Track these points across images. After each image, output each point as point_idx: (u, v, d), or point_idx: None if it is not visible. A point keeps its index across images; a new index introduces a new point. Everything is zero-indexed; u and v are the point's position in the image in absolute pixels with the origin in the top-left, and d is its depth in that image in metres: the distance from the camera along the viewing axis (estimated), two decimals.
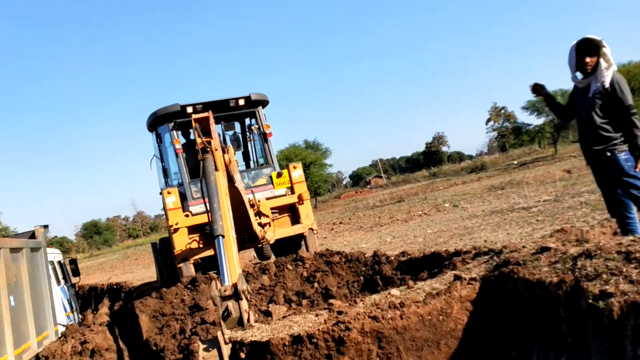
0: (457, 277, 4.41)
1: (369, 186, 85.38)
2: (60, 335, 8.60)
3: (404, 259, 7.45)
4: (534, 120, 77.87)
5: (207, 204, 5.96)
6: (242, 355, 4.35)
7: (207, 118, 6.52)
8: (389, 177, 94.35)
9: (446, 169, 72.15)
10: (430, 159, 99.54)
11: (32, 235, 10.06)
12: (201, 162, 6.07)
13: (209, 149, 6.05)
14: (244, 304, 5.16)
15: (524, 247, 4.89)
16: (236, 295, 5.18)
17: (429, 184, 45.00)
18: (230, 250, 5.59)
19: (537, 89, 5.87)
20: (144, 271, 22.41)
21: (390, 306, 4.14)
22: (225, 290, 5.20)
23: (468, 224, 12.22)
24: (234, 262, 5.53)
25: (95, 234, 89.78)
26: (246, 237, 9.03)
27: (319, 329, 4.00)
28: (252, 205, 8.80)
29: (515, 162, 53.35)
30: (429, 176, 67.39)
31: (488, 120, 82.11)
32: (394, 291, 4.99)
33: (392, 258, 7.57)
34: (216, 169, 6.13)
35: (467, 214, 15.01)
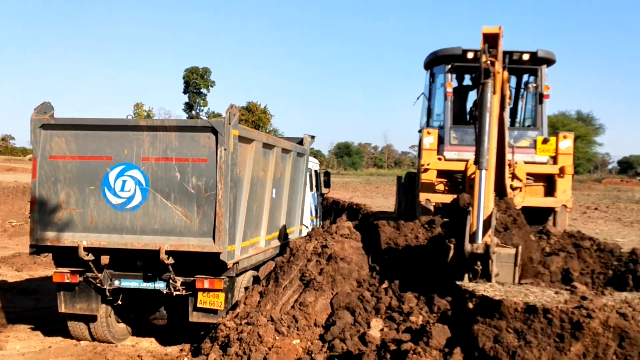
0: None
1: (639, 177, 75.59)
2: (305, 235, 9.61)
3: None
4: None
5: (476, 129, 6.01)
6: (470, 305, 4.40)
7: (497, 35, 6.32)
8: None
9: None
10: None
11: (300, 141, 11.19)
12: (481, 85, 6.03)
13: (491, 72, 5.97)
14: (493, 264, 5.30)
15: None
16: (487, 256, 5.35)
17: None
18: (489, 186, 5.69)
19: None
20: (383, 200, 23.49)
21: None
22: (477, 249, 5.39)
23: None
24: (490, 199, 5.64)
25: (346, 155, 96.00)
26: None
27: (557, 307, 3.82)
28: (508, 165, 8.51)
29: None
30: None
31: None
32: None
33: None
34: (494, 92, 6.03)
35: None
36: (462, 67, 10.10)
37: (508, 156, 8.67)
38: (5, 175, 31.38)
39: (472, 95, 10.97)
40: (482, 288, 4.61)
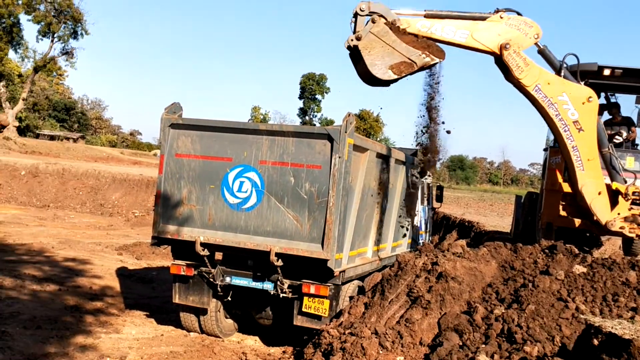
0: None
1: None
2: (413, 249, 9.39)
3: None
4: None
5: None
6: (596, 342, 4.04)
7: None
8: None
9: None
10: None
11: (414, 153, 10.98)
12: None
13: None
14: None
15: None
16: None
17: None
18: None
19: None
20: (497, 219, 22.53)
21: None
22: None
23: None
24: None
25: (459, 168, 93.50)
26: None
27: None
28: (633, 193, 7.80)
29: None
30: None
31: None
32: None
33: None
34: None
35: None
36: (596, 84, 9.42)
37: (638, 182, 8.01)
38: (131, 168, 33.80)
39: (605, 115, 10.22)
40: (609, 324, 4.22)
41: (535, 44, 7.44)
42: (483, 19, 7.28)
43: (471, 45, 7.26)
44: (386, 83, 7.25)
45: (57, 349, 6.94)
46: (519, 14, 7.32)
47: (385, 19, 6.97)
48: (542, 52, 7.64)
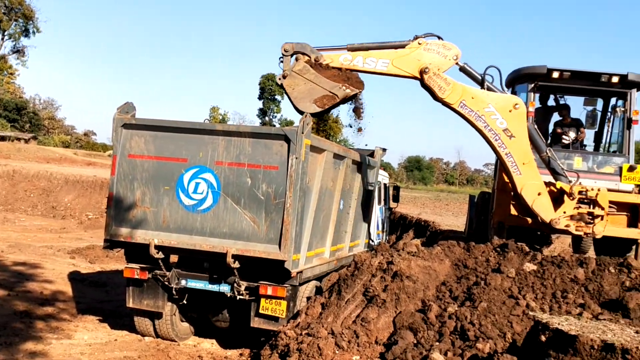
0: None
1: None
2: (370, 249, 9.47)
3: None
4: None
5: None
6: (543, 338, 4.16)
7: None
8: None
9: None
10: None
11: (371, 153, 11.08)
12: None
13: None
14: None
15: None
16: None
17: None
18: None
19: None
20: (452, 218, 22.96)
21: None
22: None
23: None
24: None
25: (416, 169, 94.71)
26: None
27: (637, 347, 3.53)
28: (586, 191, 8.07)
29: None
30: None
31: None
32: None
33: None
34: None
35: None
36: (546, 87, 9.71)
37: (590, 182, 8.25)
38: (85, 169, 32.99)
39: (555, 117, 10.54)
40: (557, 321, 4.35)
41: (456, 63, 7.81)
42: (403, 46, 7.69)
43: (393, 72, 7.68)
44: (318, 114, 7.75)
45: (6, 356, 6.72)
46: (440, 38, 7.73)
47: (309, 57, 7.53)
48: (464, 70, 8.01)
